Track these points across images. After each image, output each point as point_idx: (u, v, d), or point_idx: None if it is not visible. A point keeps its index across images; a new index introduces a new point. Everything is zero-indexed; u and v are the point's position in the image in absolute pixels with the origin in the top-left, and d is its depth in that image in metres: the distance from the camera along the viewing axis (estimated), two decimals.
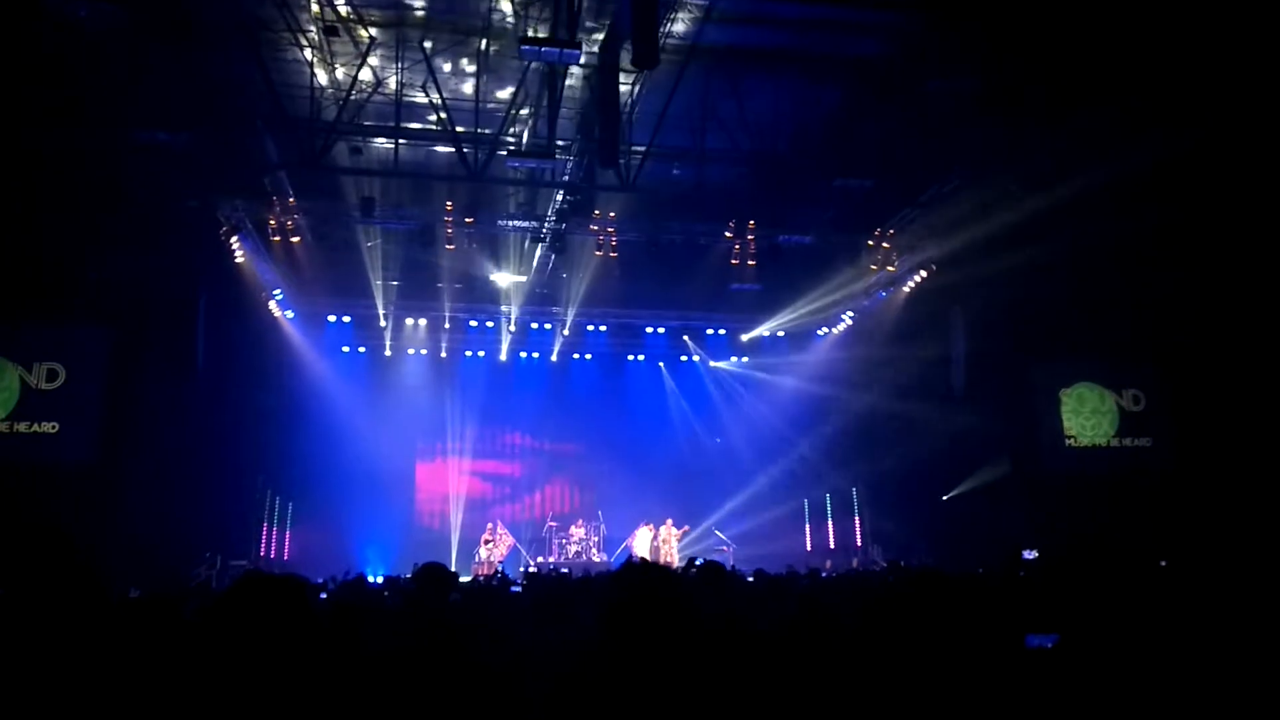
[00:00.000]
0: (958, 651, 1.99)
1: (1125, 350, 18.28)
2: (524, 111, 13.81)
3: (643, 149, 14.02)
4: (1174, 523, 14.80)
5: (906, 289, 17.73)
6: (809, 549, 21.33)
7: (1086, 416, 18.30)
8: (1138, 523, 14.99)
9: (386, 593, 8.45)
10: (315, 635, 1.87)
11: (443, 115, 13.28)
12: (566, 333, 20.74)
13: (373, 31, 12.18)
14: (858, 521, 20.57)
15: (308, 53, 12.49)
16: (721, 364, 22.54)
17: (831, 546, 20.94)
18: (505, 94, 13.57)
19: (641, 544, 19.04)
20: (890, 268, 17.19)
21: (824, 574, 12.95)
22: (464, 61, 13.05)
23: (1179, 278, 15.29)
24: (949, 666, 1.94)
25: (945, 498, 18.07)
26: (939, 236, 16.60)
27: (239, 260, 15.50)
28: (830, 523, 21.36)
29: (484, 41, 12.34)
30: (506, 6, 11.71)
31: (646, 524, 19.33)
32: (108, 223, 13.47)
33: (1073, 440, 18.18)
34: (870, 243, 16.78)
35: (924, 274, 17.17)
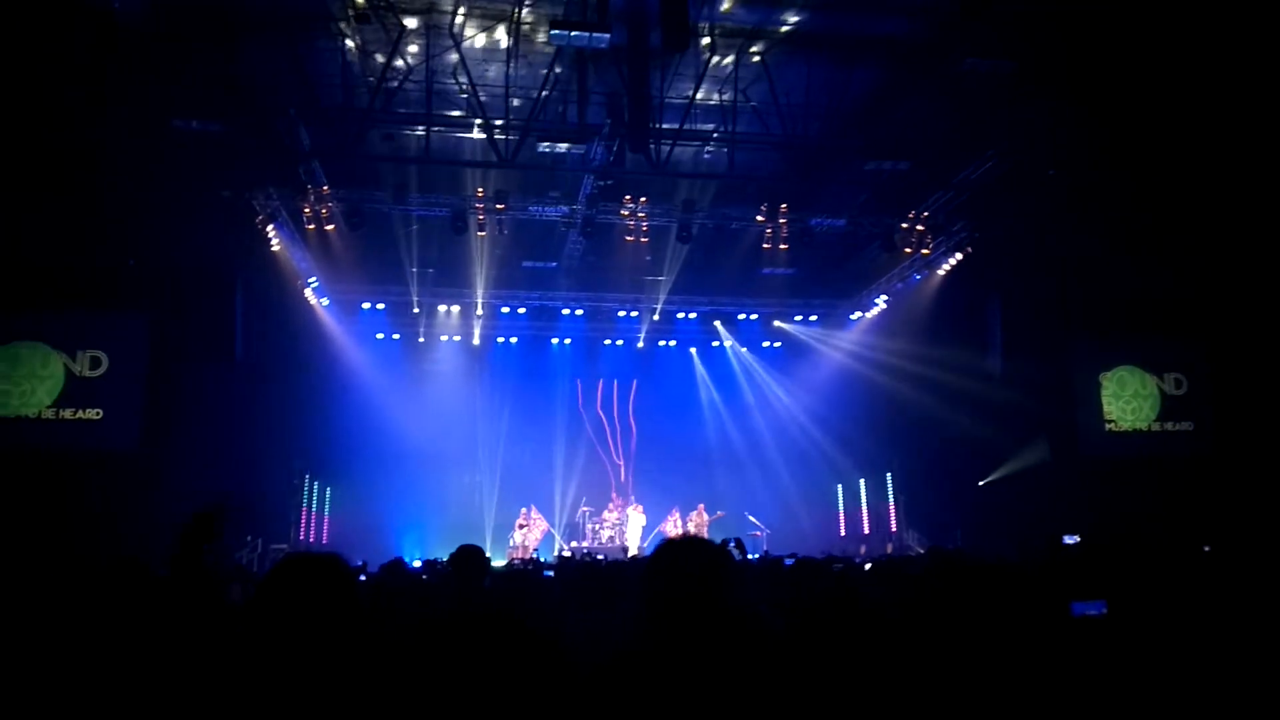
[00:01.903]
0: (1000, 634, 1.96)
1: (1167, 333, 17.93)
2: (554, 96, 13.78)
3: (673, 133, 13.95)
4: (1217, 508, 14.53)
5: (942, 272, 17.51)
6: (843, 534, 21.25)
7: (1127, 400, 17.99)
8: (1180, 508, 14.73)
9: (425, 575, 8.54)
10: (358, 613, 1.89)
11: (474, 101, 13.31)
12: (598, 318, 20.80)
13: (404, 19, 12.21)
14: (892, 507, 20.43)
15: (340, 41, 12.55)
16: (752, 349, 22.44)
17: (866, 532, 20.84)
18: (536, 79, 13.55)
19: (634, 528, 19.18)
20: (925, 250, 16.98)
21: (858, 559, 12.91)
22: (494, 47, 13.04)
23: (1221, 259, 14.97)
24: (992, 650, 1.92)
25: (982, 483, 17.89)
26: (975, 218, 16.37)
27: (275, 248, 15.68)
28: (864, 508, 21.24)
29: (514, 27, 12.32)
30: None
31: (637, 506, 19.64)
32: (146, 211, 13.66)
33: (1113, 425, 17.88)
34: (904, 225, 16.58)
35: (959, 256, 16.94)
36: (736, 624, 1.76)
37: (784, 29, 12.58)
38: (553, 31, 10.80)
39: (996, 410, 16.94)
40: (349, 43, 12.63)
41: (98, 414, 14.96)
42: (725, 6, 11.97)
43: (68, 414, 14.91)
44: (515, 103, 13.61)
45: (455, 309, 20.34)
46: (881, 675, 2.02)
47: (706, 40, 12.52)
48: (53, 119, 11.74)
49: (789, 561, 9.35)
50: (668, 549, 1.91)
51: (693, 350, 22.52)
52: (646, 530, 20.17)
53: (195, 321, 15.19)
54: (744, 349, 22.35)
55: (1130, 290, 16.63)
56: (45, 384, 14.94)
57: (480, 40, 12.77)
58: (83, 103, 11.63)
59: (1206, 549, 10.59)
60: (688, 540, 1.91)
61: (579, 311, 20.79)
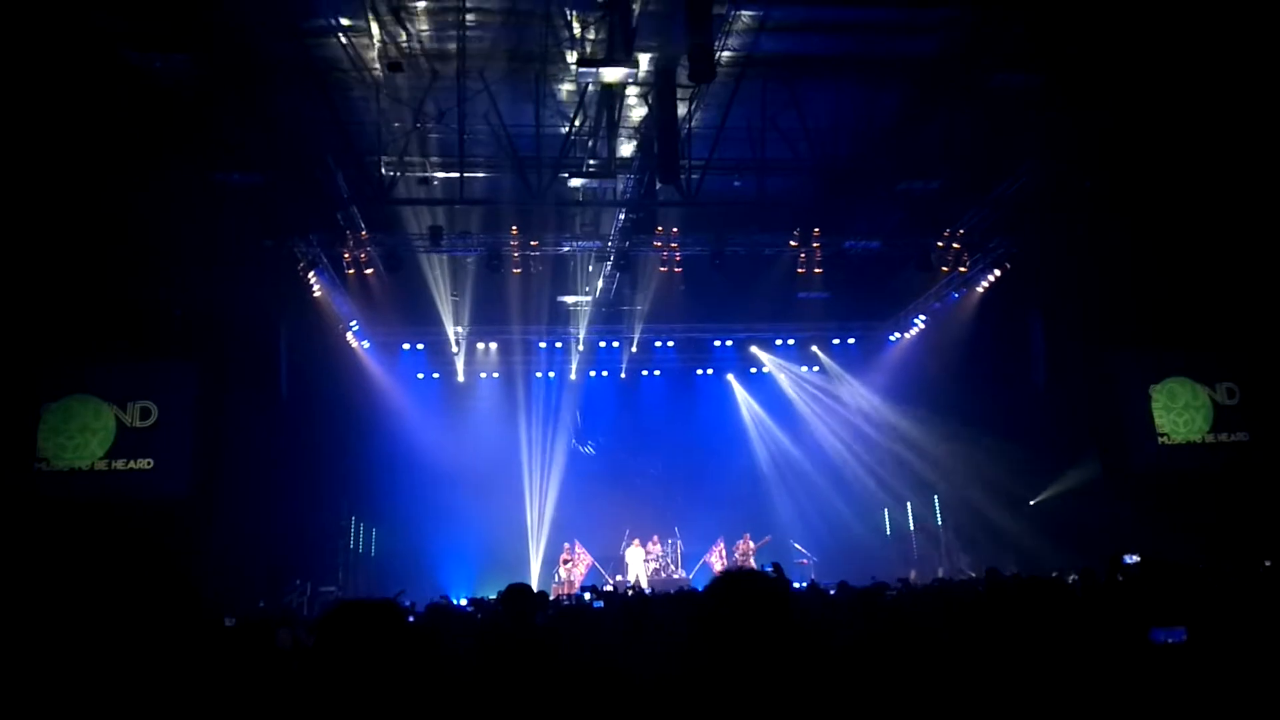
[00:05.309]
0: (1072, 659, 1.90)
1: (1216, 341, 17.49)
2: (583, 132, 13.92)
3: (702, 163, 14.00)
4: (1277, 520, 14.06)
5: (980, 289, 17.30)
6: (891, 559, 20.88)
7: (1179, 413, 17.54)
8: (1238, 521, 14.28)
9: (480, 615, 8.53)
10: (414, 657, 1.88)
11: (505, 141, 13.49)
12: (635, 350, 20.81)
13: (435, 65, 12.44)
14: (940, 530, 20.07)
15: (373, 89, 12.83)
16: (790, 374, 22.29)
17: (915, 556, 20.47)
18: (565, 117, 13.71)
19: (635, 560, 18.99)
20: (962, 268, 16.80)
21: (908, 585, 12.66)
22: (523, 87, 13.23)
23: (1267, 263, 14.61)
24: (1066, 674, 1.86)
25: (1032, 502, 17.51)
26: (1012, 234, 16.18)
27: (316, 294, 15.95)
28: (912, 532, 20.88)
29: (542, 66, 12.51)
30: (563, 31, 11.86)
31: (635, 540, 19.40)
32: (191, 263, 13.97)
33: (1165, 438, 17.42)
34: (940, 244, 16.43)
35: (998, 273, 16.74)
36: (797, 657, 1.73)
37: (809, 55, 12.60)
38: (579, 69, 10.93)
39: (1043, 427, 16.59)
40: (381, 90, 12.89)
41: (148, 463, 15.20)
42: (750, 37, 12.03)
43: (119, 464, 15.17)
44: (544, 141, 13.78)
45: (494, 346, 20.52)
46: (950, 708, 1.96)
47: (731, 70, 12.59)
48: (101, 176, 12.07)
49: (832, 592, 9.24)
50: (723, 584, 1.88)
51: (730, 377, 22.44)
52: (691, 560, 20.01)
53: (241, 369, 15.45)
54: (782, 375, 22.22)
55: (1175, 300, 16.26)
56: (98, 436, 15.23)
57: (509, 81, 12.96)
58: (130, 159, 11.97)
59: (1267, 564, 10.25)
60: (742, 574, 1.89)
61: (615, 344, 20.84)
